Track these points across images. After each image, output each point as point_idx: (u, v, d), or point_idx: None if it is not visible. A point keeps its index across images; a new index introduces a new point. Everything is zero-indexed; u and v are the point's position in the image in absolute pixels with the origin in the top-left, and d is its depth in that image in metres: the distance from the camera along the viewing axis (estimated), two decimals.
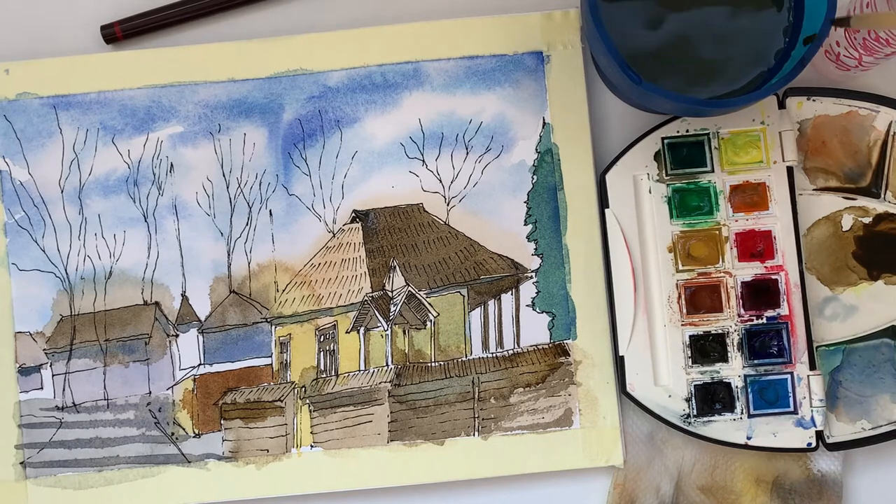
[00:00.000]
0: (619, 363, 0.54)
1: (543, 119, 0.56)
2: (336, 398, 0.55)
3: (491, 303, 0.56)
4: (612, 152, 0.57)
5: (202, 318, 0.56)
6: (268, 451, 0.55)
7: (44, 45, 0.58)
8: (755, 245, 0.55)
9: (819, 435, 0.53)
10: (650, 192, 0.55)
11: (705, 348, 0.54)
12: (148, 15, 0.57)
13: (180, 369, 0.56)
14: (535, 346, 0.55)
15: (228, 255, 0.56)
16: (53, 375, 0.55)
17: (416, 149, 0.56)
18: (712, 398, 0.54)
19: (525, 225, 0.56)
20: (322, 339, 0.56)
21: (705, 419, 0.54)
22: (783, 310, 0.54)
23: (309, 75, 0.56)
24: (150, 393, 0.55)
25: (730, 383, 0.54)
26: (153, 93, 0.56)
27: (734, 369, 0.54)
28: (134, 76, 0.56)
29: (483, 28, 0.56)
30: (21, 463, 0.55)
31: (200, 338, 0.56)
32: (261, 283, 0.56)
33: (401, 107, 0.56)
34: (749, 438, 0.53)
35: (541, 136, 0.56)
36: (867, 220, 0.55)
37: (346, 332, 0.56)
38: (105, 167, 0.56)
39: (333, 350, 0.56)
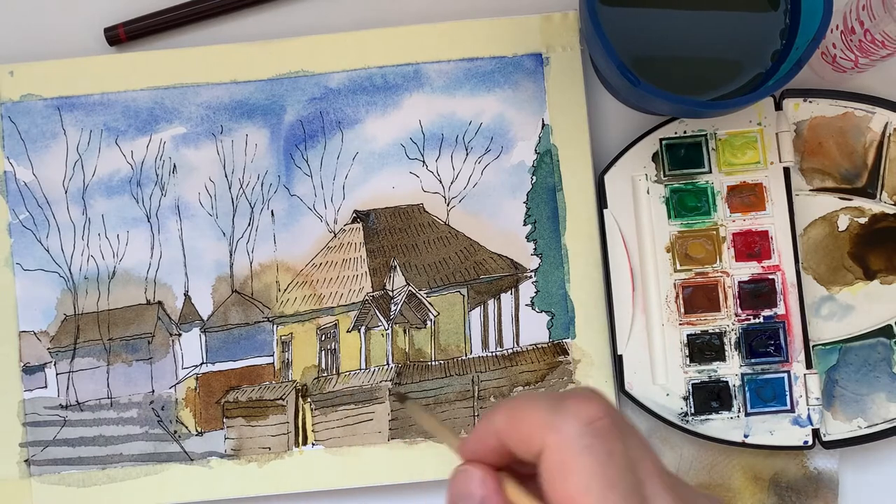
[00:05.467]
0: (618, 362, 0.55)
1: (542, 120, 0.57)
2: (337, 397, 0.56)
3: (490, 302, 0.56)
4: (611, 153, 0.57)
5: (204, 318, 0.56)
6: (269, 449, 0.55)
7: (48, 47, 0.58)
8: (752, 245, 0.55)
9: (815, 433, 0.54)
10: (648, 192, 0.55)
11: (703, 347, 0.54)
12: (151, 17, 0.57)
13: (183, 368, 0.56)
14: (535, 345, 0.56)
15: (231, 255, 0.56)
16: (57, 374, 0.56)
17: (417, 150, 0.57)
18: (710, 397, 0.54)
19: (524, 225, 0.56)
20: (323, 339, 0.56)
21: (703, 417, 0.54)
22: (780, 309, 0.54)
23: (310, 77, 0.57)
24: (152, 391, 0.56)
25: (727, 382, 0.54)
26: (156, 94, 0.57)
27: (731, 368, 0.54)
28: (137, 78, 0.57)
29: (482, 30, 0.57)
30: (25, 461, 0.55)
31: (203, 337, 0.56)
32: (263, 283, 0.56)
33: (401, 108, 0.57)
34: (746, 437, 0.54)
35: (540, 138, 0.57)
36: (863, 220, 0.56)
37: (347, 332, 0.56)
38: (108, 168, 0.57)
39: (334, 349, 0.56)
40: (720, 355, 0.54)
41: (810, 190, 0.56)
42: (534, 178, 0.56)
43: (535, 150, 0.57)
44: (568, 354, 0.56)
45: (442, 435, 0.42)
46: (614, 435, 0.33)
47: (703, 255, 0.55)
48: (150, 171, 0.57)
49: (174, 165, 0.57)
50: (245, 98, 0.57)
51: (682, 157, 0.56)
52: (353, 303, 0.56)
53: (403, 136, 0.57)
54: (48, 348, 0.56)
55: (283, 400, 0.56)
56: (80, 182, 0.57)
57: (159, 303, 0.56)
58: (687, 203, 0.55)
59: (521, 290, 0.56)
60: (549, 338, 0.56)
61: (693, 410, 0.54)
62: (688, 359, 0.54)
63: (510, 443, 0.34)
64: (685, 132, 0.56)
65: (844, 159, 0.56)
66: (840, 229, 0.56)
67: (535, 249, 0.56)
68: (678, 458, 0.55)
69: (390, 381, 0.56)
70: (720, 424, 0.54)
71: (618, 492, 0.31)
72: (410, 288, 0.56)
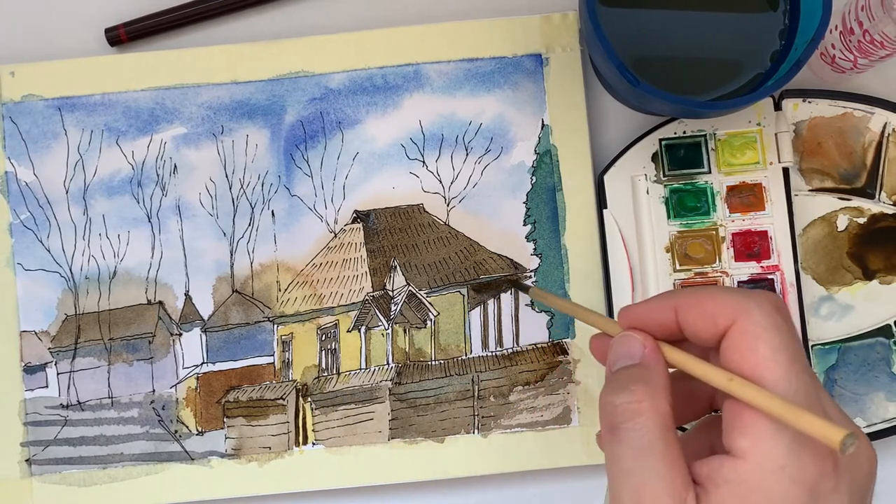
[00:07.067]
0: None
1: (542, 121, 0.57)
2: (337, 396, 0.56)
3: (490, 302, 0.56)
4: (611, 154, 0.57)
5: (205, 318, 0.56)
6: (270, 448, 0.56)
7: (49, 48, 0.58)
8: (751, 245, 0.55)
9: None
10: (648, 192, 0.56)
11: None
12: (152, 18, 0.58)
13: (183, 368, 0.56)
14: (534, 344, 0.56)
15: (231, 255, 0.57)
16: (58, 374, 0.56)
17: (417, 150, 0.57)
18: None
19: (524, 225, 0.57)
20: (323, 338, 0.56)
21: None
22: None
23: (311, 77, 0.57)
24: (153, 391, 0.56)
25: None
26: (157, 95, 0.57)
27: None
28: (138, 78, 0.57)
29: (482, 30, 0.57)
30: (26, 460, 0.55)
31: (203, 337, 0.56)
32: (263, 283, 0.56)
33: (401, 108, 0.57)
34: None
35: (540, 138, 0.57)
36: (862, 220, 0.56)
37: (348, 331, 0.56)
38: (109, 168, 0.57)
39: (335, 349, 0.56)
40: None
41: (809, 190, 0.56)
42: (533, 178, 0.57)
43: (535, 151, 0.57)
44: (567, 354, 0.56)
45: (574, 311, 0.47)
46: (792, 322, 0.38)
47: (702, 255, 0.55)
48: (150, 172, 0.57)
49: (175, 166, 0.57)
50: (245, 98, 0.57)
51: (682, 158, 0.56)
52: (354, 303, 0.56)
53: (403, 136, 0.57)
54: (49, 348, 0.56)
55: (284, 399, 0.56)
56: (81, 182, 0.57)
57: (160, 303, 0.56)
58: (686, 203, 0.55)
59: None
60: (549, 337, 0.56)
61: None
62: None
63: (688, 317, 0.38)
64: (685, 132, 0.56)
65: (843, 159, 0.56)
66: (839, 229, 0.56)
67: (534, 249, 0.56)
68: None
69: (390, 380, 0.56)
70: None
71: (799, 364, 0.36)
72: (410, 288, 0.56)
